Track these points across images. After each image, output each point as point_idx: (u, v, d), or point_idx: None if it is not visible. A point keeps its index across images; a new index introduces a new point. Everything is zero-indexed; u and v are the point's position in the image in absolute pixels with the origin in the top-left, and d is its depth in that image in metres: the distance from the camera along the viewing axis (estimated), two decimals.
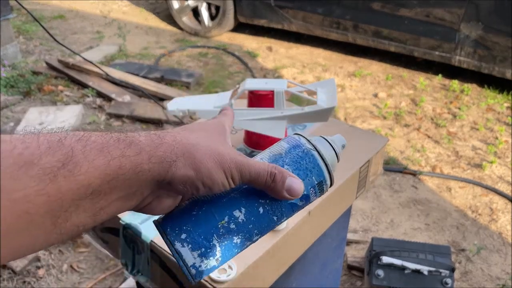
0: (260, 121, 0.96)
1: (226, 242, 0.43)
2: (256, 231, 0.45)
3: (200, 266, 0.42)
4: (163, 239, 0.43)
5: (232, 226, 0.43)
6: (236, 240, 0.44)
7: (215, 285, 0.71)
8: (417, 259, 1.58)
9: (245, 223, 0.44)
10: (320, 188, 0.46)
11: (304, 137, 0.48)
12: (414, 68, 3.65)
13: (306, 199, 0.46)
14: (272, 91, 0.95)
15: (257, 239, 0.46)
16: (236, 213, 0.43)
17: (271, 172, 0.43)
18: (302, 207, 0.47)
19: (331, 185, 0.47)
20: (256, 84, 0.97)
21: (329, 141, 0.49)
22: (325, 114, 0.96)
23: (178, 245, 0.42)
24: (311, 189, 0.46)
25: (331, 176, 0.47)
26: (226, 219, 0.43)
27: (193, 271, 0.42)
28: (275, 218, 0.45)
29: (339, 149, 0.49)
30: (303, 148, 0.46)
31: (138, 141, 0.38)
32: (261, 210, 0.44)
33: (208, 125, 0.47)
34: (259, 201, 0.44)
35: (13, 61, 3.48)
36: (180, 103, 1.03)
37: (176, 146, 0.40)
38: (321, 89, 1.02)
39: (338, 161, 0.50)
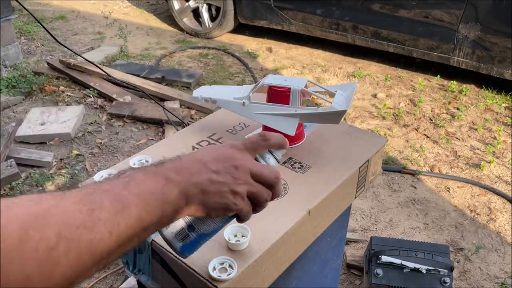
0: (274, 116, 0.99)
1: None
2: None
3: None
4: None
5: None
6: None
7: (215, 284, 0.72)
8: (416, 258, 1.60)
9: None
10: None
11: None
12: (413, 69, 3.66)
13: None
14: (289, 88, 0.97)
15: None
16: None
17: None
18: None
19: None
20: (276, 80, 1.00)
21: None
22: (337, 117, 0.97)
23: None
24: None
25: None
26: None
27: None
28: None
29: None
30: None
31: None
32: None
33: None
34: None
35: (15, 61, 3.49)
36: (204, 91, 1.09)
37: None
38: (340, 91, 1.03)
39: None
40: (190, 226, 0.61)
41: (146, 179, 0.52)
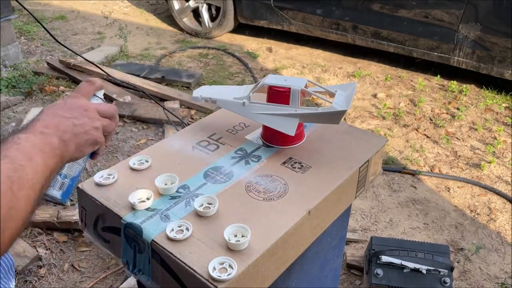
0: (274, 116, 0.99)
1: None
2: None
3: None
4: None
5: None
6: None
7: (215, 284, 0.72)
8: (416, 258, 1.60)
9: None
10: None
11: None
12: (413, 69, 3.66)
13: None
14: (289, 88, 0.97)
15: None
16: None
17: None
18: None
19: None
20: (276, 80, 1.00)
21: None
22: (337, 117, 0.97)
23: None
24: None
25: None
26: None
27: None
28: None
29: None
30: None
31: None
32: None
33: None
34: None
35: (15, 61, 3.49)
36: (204, 91, 1.09)
37: None
38: (341, 91, 1.03)
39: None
40: (61, 175, 0.77)
41: (29, 137, 0.62)
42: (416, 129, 2.87)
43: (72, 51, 1.78)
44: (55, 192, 0.77)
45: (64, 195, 0.78)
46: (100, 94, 0.81)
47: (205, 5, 4.13)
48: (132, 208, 0.85)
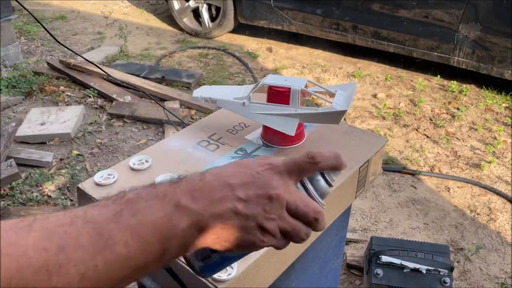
0: (274, 116, 0.99)
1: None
2: None
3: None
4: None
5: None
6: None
7: (216, 284, 0.72)
8: (416, 258, 1.60)
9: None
10: None
11: None
12: (413, 69, 3.66)
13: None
14: (289, 88, 0.97)
15: None
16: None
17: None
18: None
19: None
20: (276, 80, 1.00)
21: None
22: (337, 117, 0.97)
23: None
24: None
25: None
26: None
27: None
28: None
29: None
30: None
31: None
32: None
33: None
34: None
35: (15, 61, 3.49)
36: (204, 91, 1.08)
37: None
38: (341, 91, 1.03)
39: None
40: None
41: (148, 207, 0.43)
42: (416, 129, 2.87)
43: (72, 51, 1.79)
44: (195, 261, 0.52)
45: (205, 270, 0.53)
46: (332, 176, 0.53)
47: (205, 5, 4.13)
48: None
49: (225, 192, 0.45)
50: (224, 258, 0.53)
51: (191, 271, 0.53)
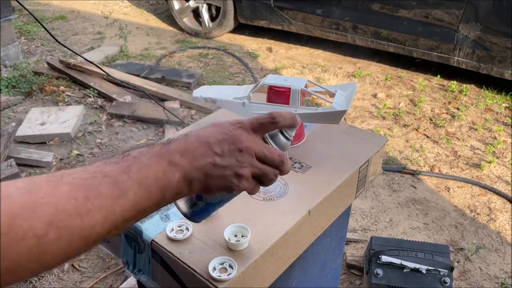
0: None
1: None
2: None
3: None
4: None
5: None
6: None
7: (215, 284, 0.72)
8: (416, 258, 1.60)
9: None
10: None
11: None
12: (413, 69, 3.66)
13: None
14: (289, 88, 0.97)
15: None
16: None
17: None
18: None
19: None
20: (276, 80, 1.01)
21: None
22: (337, 117, 0.97)
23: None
24: None
25: None
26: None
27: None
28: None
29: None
30: None
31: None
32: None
33: None
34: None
35: (15, 61, 3.49)
36: (204, 91, 1.09)
37: None
38: (341, 91, 1.03)
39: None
40: (197, 195, 0.62)
41: (149, 164, 0.53)
42: (416, 129, 2.87)
43: (72, 51, 1.79)
44: (185, 208, 0.64)
45: (195, 215, 0.65)
46: (289, 132, 0.63)
47: (205, 5, 4.13)
48: None
49: (205, 149, 0.56)
50: (208, 205, 0.63)
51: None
